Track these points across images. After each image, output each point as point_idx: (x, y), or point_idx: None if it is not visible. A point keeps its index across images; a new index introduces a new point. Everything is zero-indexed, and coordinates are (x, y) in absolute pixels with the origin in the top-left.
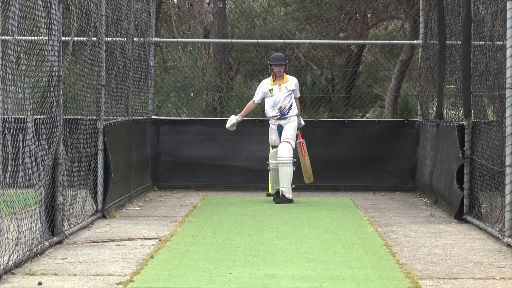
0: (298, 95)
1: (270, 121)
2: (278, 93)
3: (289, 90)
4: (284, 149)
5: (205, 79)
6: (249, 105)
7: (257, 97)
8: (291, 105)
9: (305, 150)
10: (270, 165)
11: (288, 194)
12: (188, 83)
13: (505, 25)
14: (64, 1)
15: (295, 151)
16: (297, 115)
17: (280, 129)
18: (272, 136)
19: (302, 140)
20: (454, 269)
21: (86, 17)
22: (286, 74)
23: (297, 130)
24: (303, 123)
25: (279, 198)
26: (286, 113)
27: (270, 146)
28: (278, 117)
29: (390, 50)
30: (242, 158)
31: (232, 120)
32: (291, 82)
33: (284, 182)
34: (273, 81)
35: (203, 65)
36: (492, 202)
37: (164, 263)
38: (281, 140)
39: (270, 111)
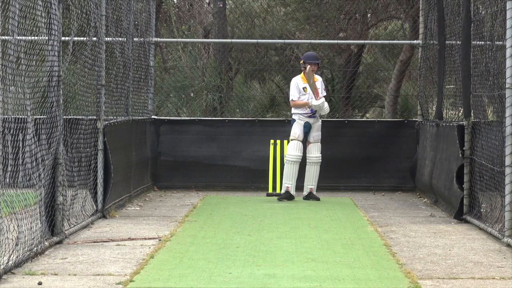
0: (324, 93)
1: (298, 117)
2: (310, 92)
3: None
4: (318, 149)
5: (205, 79)
6: (299, 102)
7: (296, 95)
8: None
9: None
10: (288, 158)
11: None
12: (188, 83)
13: (505, 25)
14: (64, 1)
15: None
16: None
17: (307, 126)
18: (297, 130)
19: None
20: (454, 269)
21: (86, 17)
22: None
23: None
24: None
25: (308, 195)
26: (315, 111)
27: (290, 139)
28: (308, 115)
29: (390, 50)
30: (242, 158)
31: (318, 104)
32: (319, 81)
33: (316, 180)
34: (306, 79)
35: (203, 65)
36: (492, 202)
37: (164, 263)
38: (313, 141)
39: (302, 108)
